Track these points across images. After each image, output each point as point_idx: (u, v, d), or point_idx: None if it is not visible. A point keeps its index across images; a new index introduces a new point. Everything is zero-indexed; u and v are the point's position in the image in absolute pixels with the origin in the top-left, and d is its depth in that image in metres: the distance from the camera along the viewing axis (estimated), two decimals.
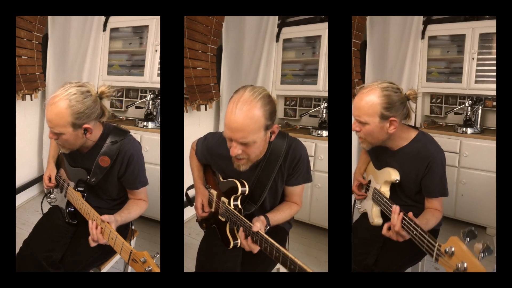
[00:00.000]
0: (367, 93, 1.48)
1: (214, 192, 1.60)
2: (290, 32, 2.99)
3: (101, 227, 1.38)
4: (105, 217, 1.39)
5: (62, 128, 1.43)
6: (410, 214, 1.32)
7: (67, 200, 1.62)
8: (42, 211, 1.74)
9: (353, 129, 1.54)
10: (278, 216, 1.50)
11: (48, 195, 1.74)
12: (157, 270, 1.20)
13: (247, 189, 1.48)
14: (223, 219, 1.50)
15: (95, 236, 1.37)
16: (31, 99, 2.81)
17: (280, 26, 3.00)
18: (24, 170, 2.92)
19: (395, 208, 1.36)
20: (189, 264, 2.12)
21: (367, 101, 1.47)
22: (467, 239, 1.03)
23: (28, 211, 2.82)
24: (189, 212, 2.69)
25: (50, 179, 1.73)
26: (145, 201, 1.64)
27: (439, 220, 1.55)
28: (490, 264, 1.01)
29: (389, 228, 1.38)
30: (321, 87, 2.86)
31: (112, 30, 2.90)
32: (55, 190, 1.73)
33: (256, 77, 2.98)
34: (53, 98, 1.43)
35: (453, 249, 1.03)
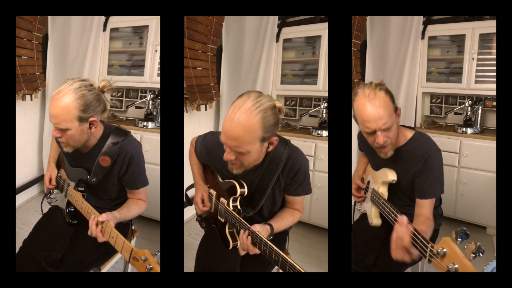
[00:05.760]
0: (375, 96, 1.39)
1: (213, 192, 1.59)
2: (290, 32, 2.99)
3: (102, 226, 1.38)
4: (103, 216, 1.39)
5: (68, 123, 1.43)
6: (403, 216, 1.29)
7: (67, 200, 1.62)
8: (42, 211, 1.74)
9: (380, 143, 1.40)
10: (282, 224, 1.49)
11: (48, 195, 1.74)
12: (158, 267, 1.21)
13: (246, 190, 1.47)
14: (222, 220, 1.50)
15: (94, 233, 1.39)
16: (31, 99, 2.81)
17: (280, 26, 2.99)
18: (24, 170, 2.91)
19: (402, 219, 1.18)
20: (189, 264, 2.11)
21: (383, 101, 1.38)
22: (459, 239, 1.03)
23: (28, 211, 2.81)
24: (189, 212, 2.69)
25: (50, 180, 1.73)
26: (144, 201, 1.64)
27: (433, 228, 1.47)
28: (484, 262, 1.01)
29: None
30: (321, 87, 2.86)
31: (112, 30, 2.89)
32: (55, 190, 1.73)
33: (256, 77, 2.98)
34: (58, 93, 1.42)
35: (445, 250, 1.03)
